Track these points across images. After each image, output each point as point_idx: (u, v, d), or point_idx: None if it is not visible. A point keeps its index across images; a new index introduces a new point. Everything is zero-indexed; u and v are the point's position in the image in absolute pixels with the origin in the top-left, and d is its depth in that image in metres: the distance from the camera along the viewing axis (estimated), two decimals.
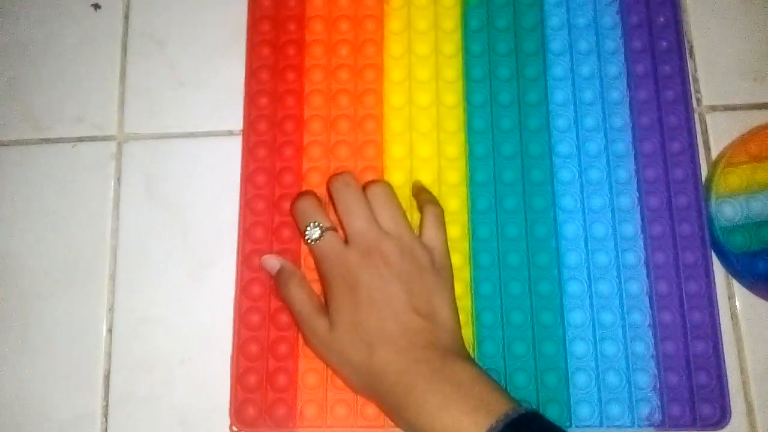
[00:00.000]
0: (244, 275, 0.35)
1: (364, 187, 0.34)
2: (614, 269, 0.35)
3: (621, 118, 0.37)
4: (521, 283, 0.35)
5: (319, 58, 0.37)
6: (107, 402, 0.35)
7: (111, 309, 0.36)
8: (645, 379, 0.34)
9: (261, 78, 0.37)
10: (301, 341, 0.34)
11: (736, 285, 0.36)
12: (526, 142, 0.36)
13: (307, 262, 0.35)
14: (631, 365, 0.34)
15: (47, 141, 0.38)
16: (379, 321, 0.31)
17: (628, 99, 0.37)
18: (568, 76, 0.37)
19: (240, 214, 0.36)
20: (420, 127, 0.37)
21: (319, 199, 0.34)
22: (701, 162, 0.37)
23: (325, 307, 0.32)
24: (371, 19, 0.38)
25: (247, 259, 0.35)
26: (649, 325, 0.34)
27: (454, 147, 0.36)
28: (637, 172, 0.36)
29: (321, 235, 0.32)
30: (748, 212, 0.35)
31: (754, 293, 0.36)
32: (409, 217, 0.34)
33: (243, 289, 0.35)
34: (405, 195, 0.36)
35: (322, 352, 0.32)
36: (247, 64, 0.38)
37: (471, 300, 0.35)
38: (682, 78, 0.37)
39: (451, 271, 0.33)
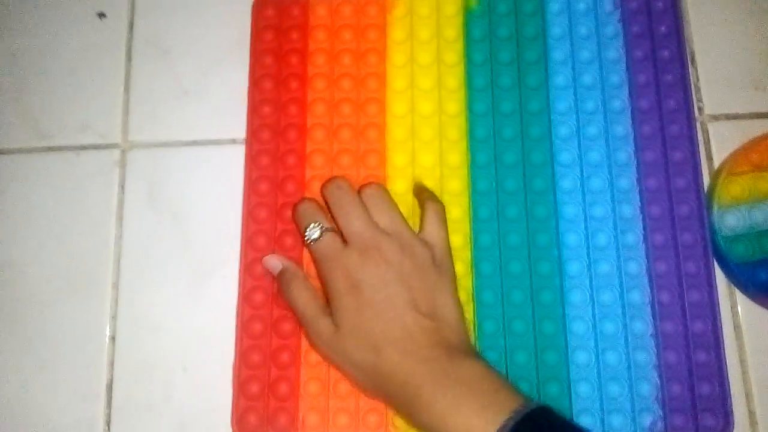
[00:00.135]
0: (246, 283, 0.35)
1: (359, 191, 0.34)
2: (616, 277, 0.35)
3: (623, 127, 0.37)
4: (523, 291, 0.35)
5: (322, 66, 0.38)
6: (110, 409, 0.35)
7: (114, 317, 0.36)
8: (647, 388, 0.34)
9: (264, 87, 0.37)
10: (303, 349, 0.34)
11: (739, 294, 0.36)
12: (528, 150, 0.36)
13: (310, 269, 0.35)
14: (633, 375, 0.34)
15: (51, 149, 0.38)
16: (383, 322, 0.30)
17: (630, 108, 0.37)
18: (570, 85, 0.37)
19: (243, 223, 0.36)
20: (422, 136, 0.37)
21: (320, 205, 0.35)
22: (703, 171, 0.37)
23: (329, 307, 0.32)
24: (374, 28, 0.38)
25: (249, 267, 0.35)
26: (651, 335, 0.34)
27: (456, 155, 0.37)
28: (639, 180, 0.36)
29: (320, 236, 0.32)
30: (751, 222, 0.35)
31: (756, 303, 0.35)
32: (410, 223, 0.34)
33: (245, 297, 0.35)
34: (407, 202, 0.36)
35: (328, 353, 0.32)
36: (250, 72, 0.38)
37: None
38: (683, 87, 0.37)
39: (453, 266, 0.33)
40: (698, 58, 0.39)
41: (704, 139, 0.38)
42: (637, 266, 0.35)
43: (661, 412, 0.33)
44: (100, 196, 0.37)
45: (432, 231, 0.33)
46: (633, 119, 0.37)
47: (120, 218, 0.37)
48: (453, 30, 0.38)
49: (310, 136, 0.37)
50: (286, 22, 0.38)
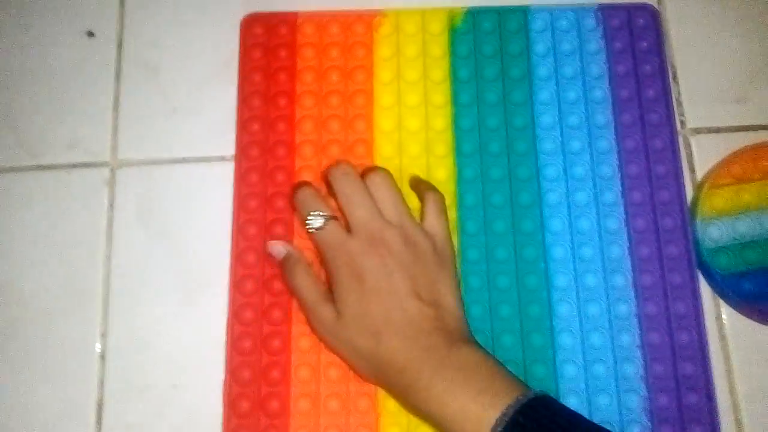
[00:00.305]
0: (236, 300, 0.35)
1: (363, 175, 0.34)
2: (602, 290, 0.35)
3: (607, 142, 0.37)
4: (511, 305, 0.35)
5: (310, 84, 0.38)
6: (100, 427, 0.34)
7: (104, 334, 0.36)
8: (635, 400, 0.34)
9: (253, 104, 0.38)
10: (293, 367, 0.34)
11: (724, 305, 0.36)
12: (514, 165, 0.37)
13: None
14: (620, 386, 0.34)
15: (41, 167, 0.38)
16: (385, 310, 0.31)
17: (613, 122, 0.38)
18: (554, 101, 0.38)
19: (232, 239, 0.36)
20: (410, 151, 0.37)
21: (316, 189, 0.35)
22: (687, 184, 0.37)
23: (331, 294, 0.32)
24: (361, 45, 0.39)
25: (239, 284, 0.35)
26: (638, 347, 0.35)
27: (443, 170, 0.37)
28: (623, 194, 0.37)
29: (324, 224, 0.33)
30: (734, 233, 0.36)
31: (741, 313, 0.36)
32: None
33: (235, 314, 0.35)
34: None
35: (329, 340, 0.32)
36: (239, 90, 0.38)
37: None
38: (665, 101, 0.38)
39: (454, 256, 0.34)
40: (680, 72, 0.40)
41: (687, 152, 0.38)
42: (622, 279, 0.36)
43: (649, 423, 0.34)
44: (90, 215, 0.37)
45: (433, 221, 0.34)
46: (616, 133, 0.38)
47: (110, 236, 0.37)
48: (439, 47, 0.39)
49: (298, 153, 0.37)
50: (275, 40, 0.39)
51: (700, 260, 0.36)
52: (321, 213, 0.33)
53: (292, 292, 0.34)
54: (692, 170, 0.38)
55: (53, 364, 0.35)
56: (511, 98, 0.38)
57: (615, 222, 0.36)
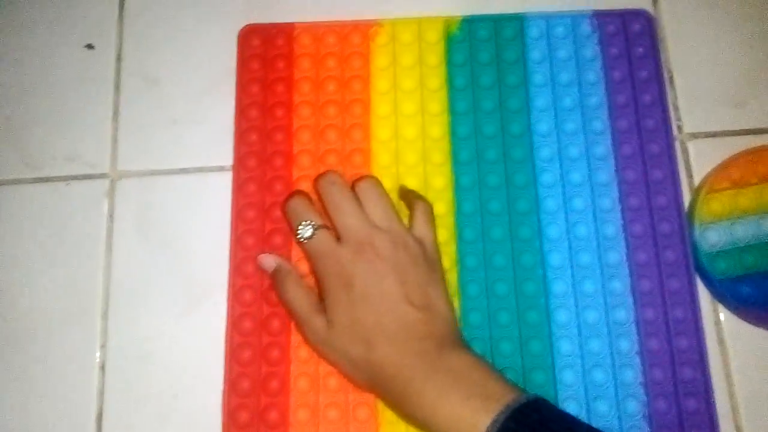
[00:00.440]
0: (235, 310, 0.35)
1: (353, 184, 0.34)
2: (600, 296, 0.35)
3: (604, 147, 0.38)
4: (509, 313, 0.35)
5: (307, 94, 0.38)
6: None
7: (103, 345, 0.36)
8: (634, 406, 0.34)
9: (251, 115, 0.38)
10: (292, 377, 0.34)
11: (722, 309, 0.36)
12: (511, 172, 0.37)
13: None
14: (620, 392, 0.34)
15: (40, 180, 0.39)
16: (376, 316, 0.31)
17: (610, 128, 0.38)
18: (550, 108, 0.38)
19: (230, 250, 0.36)
20: (407, 160, 0.37)
21: (310, 199, 0.35)
22: (684, 189, 0.37)
23: (322, 304, 0.32)
24: (358, 56, 0.39)
25: (237, 294, 0.35)
26: (636, 352, 0.35)
27: (441, 178, 0.37)
28: (620, 200, 0.37)
29: (313, 234, 0.33)
30: (731, 238, 0.36)
31: (739, 317, 0.36)
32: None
33: (234, 324, 0.35)
34: None
35: (322, 349, 0.32)
36: (237, 101, 0.38)
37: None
38: (662, 106, 0.38)
39: (441, 262, 0.34)
40: (677, 77, 0.40)
41: (684, 157, 0.39)
42: (621, 284, 0.36)
43: (648, 429, 0.34)
44: (90, 226, 0.38)
45: (421, 227, 0.34)
46: (613, 139, 0.38)
47: (109, 247, 0.37)
48: (435, 56, 0.39)
49: (296, 163, 0.37)
50: (272, 51, 0.39)
51: (698, 265, 0.36)
52: (311, 222, 0.33)
53: (283, 304, 0.34)
54: (689, 175, 0.38)
55: (53, 375, 0.35)
56: (507, 106, 0.38)
57: (612, 228, 0.36)
